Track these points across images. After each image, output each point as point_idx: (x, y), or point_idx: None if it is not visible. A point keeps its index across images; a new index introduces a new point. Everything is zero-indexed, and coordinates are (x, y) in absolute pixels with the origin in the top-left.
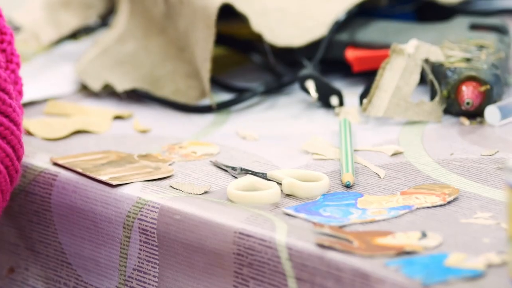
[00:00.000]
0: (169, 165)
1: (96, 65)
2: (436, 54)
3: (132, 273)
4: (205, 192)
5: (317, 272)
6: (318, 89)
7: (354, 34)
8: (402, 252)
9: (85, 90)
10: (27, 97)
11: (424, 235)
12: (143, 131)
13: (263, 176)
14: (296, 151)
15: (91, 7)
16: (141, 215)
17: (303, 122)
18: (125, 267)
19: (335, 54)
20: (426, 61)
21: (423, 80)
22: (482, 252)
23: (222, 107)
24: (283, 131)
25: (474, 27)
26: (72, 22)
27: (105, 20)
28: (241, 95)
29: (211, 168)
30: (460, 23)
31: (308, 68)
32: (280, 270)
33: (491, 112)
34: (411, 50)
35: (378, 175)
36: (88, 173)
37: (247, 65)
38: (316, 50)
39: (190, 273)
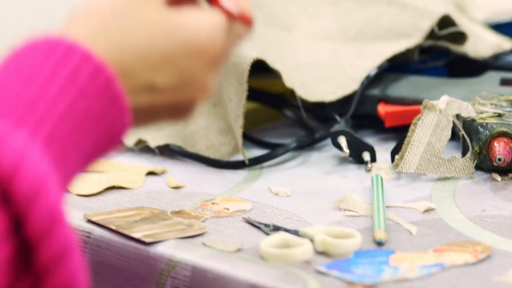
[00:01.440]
0: (202, 221)
1: None
2: (468, 110)
3: None
4: (238, 250)
5: None
6: (350, 144)
7: (386, 89)
8: None
9: None
10: None
11: None
12: (176, 187)
13: (295, 233)
14: (328, 207)
15: None
16: (174, 273)
17: (336, 178)
18: None
19: (367, 109)
20: (458, 116)
21: (454, 135)
22: None
23: (254, 163)
24: (316, 187)
25: (505, 82)
26: None
27: None
28: (273, 151)
29: (243, 225)
30: (491, 78)
31: (340, 124)
32: None
33: None
34: (443, 106)
35: (410, 232)
36: (121, 231)
37: (279, 120)
38: (348, 105)
39: None
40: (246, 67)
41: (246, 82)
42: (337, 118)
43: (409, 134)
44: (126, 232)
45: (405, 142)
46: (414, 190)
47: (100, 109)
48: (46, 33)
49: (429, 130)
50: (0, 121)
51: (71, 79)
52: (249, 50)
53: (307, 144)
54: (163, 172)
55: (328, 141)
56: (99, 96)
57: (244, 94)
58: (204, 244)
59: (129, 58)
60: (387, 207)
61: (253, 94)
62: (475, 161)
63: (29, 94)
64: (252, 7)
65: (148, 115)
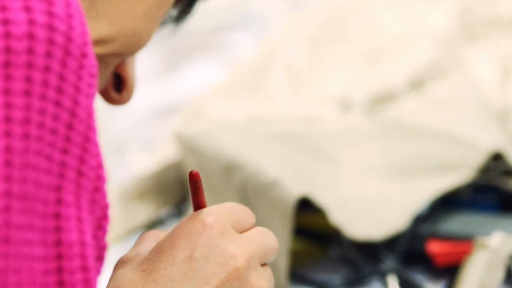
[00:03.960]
0: None
1: None
2: None
3: None
4: None
5: None
6: (399, 283)
7: (435, 225)
8: None
9: None
10: None
11: None
12: None
13: None
14: None
15: (166, 196)
16: None
17: None
18: None
19: (416, 246)
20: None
21: (510, 274)
22: None
23: None
24: None
25: None
26: (146, 212)
27: (179, 207)
28: None
29: None
30: None
31: (389, 261)
32: None
33: None
34: (495, 243)
35: None
36: None
37: (325, 256)
38: (396, 241)
39: None
40: (291, 204)
41: (291, 218)
42: (385, 255)
43: (460, 273)
44: None
45: (456, 281)
46: None
47: None
48: None
49: (481, 269)
50: None
51: None
52: (293, 185)
53: (354, 281)
54: None
55: (376, 277)
56: None
57: (288, 230)
58: None
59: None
60: None
61: (296, 230)
62: None
63: None
64: (298, 139)
65: None
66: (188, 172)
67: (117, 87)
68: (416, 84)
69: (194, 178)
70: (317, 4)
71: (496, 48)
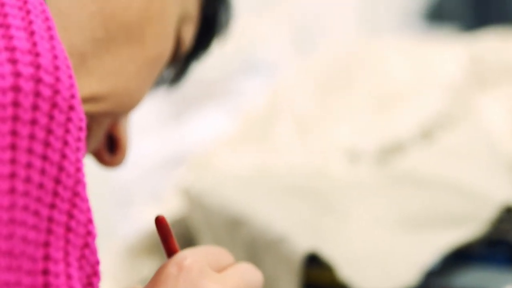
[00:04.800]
0: None
1: None
2: None
3: None
4: None
5: None
6: None
7: (448, 279)
8: None
9: None
10: None
11: None
12: None
13: None
14: None
15: None
16: None
17: None
18: None
19: None
20: None
21: None
22: None
23: None
24: None
25: None
26: (151, 267)
27: None
28: None
29: None
30: None
31: None
32: None
33: None
34: None
35: None
36: None
37: None
38: None
39: None
40: (298, 261)
41: (298, 275)
42: None
43: None
44: None
45: None
46: None
47: None
48: None
49: None
50: None
51: None
52: (301, 240)
53: None
54: None
55: None
56: None
57: (297, 287)
58: None
59: None
60: None
61: (305, 285)
62: None
63: None
64: (306, 192)
65: None
66: (155, 218)
67: (111, 148)
68: (426, 134)
69: (161, 223)
70: (325, 51)
71: (507, 96)
